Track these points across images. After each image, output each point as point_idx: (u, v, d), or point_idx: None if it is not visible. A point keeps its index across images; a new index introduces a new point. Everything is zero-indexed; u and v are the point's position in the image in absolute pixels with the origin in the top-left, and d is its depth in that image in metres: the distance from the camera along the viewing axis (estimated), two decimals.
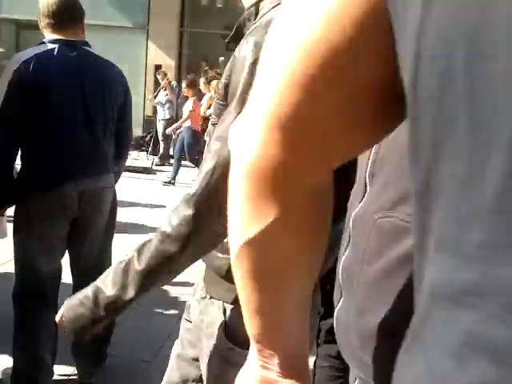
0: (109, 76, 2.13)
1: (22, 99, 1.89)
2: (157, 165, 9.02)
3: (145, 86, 10.50)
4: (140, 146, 10.14)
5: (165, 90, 9.04)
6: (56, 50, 1.97)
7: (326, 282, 0.98)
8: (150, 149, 9.83)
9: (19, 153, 2.01)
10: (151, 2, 10.47)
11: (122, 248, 4.62)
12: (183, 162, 8.25)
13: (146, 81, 10.60)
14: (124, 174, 7.96)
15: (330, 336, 1.86)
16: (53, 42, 2.00)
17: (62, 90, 1.96)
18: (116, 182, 2.28)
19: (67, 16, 2.02)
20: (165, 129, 9.24)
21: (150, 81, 10.29)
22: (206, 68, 11.30)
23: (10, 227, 2.08)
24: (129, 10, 10.68)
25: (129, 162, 8.42)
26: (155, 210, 5.92)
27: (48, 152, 1.96)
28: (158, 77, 9.42)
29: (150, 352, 2.67)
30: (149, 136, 10.11)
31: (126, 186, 6.95)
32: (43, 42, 2.02)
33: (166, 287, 3.49)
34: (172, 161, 9.77)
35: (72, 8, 2.05)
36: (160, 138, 9.48)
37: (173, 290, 3.44)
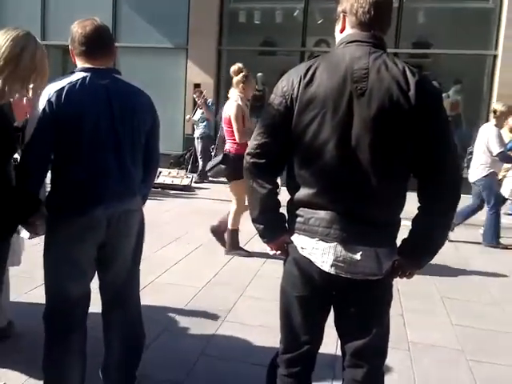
0: (138, 102, 2.16)
1: (53, 126, 1.95)
2: (196, 182, 9.13)
3: (184, 104, 10.68)
4: (180, 163, 10.30)
5: (201, 108, 9.17)
6: (87, 78, 2.02)
7: None
8: (189, 166, 9.98)
9: (49, 177, 2.07)
10: (190, 23, 10.69)
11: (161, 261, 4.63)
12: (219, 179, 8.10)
13: (185, 99, 10.79)
14: (164, 192, 8.05)
15: (355, 359, 1.82)
16: (84, 70, 2.05)
17: (93, 117, 2.01)
18: (143, 204, 2.31)
19: (99, 44, 2.08)
20: (202, 146, 9.37)
21: (190, 99, 10.46)
22: None
23: (26, 254, 2.16)
24: (169, 31, 10.95)
25: (168, 180, 8.59)
26: (194, 226, 5.98)
27: (78, 177, 2.01)
28: (195, 96, 9.57)
29: (181, 372, 2.69)
30: (188, 154, 10.27)
31: (165, 204, 7.10)
32: (73, 72, 2.07)
33: (194, 308, 3.51)
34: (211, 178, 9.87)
35: (103, 37, 2.10)
36: (198, 155, 9.61)
37: (201, 310, 3.45)
